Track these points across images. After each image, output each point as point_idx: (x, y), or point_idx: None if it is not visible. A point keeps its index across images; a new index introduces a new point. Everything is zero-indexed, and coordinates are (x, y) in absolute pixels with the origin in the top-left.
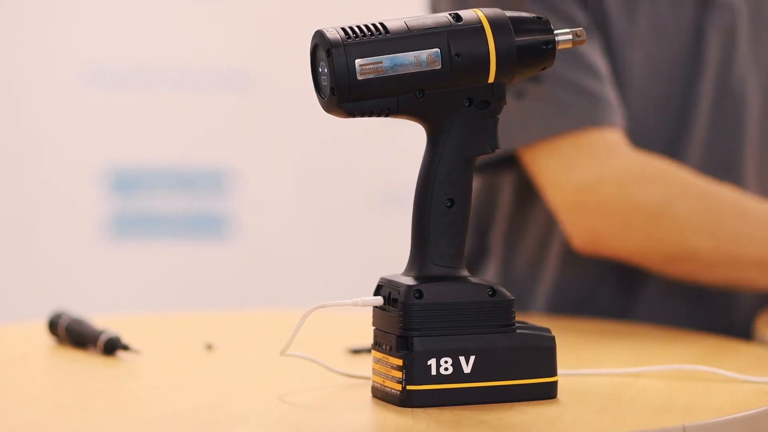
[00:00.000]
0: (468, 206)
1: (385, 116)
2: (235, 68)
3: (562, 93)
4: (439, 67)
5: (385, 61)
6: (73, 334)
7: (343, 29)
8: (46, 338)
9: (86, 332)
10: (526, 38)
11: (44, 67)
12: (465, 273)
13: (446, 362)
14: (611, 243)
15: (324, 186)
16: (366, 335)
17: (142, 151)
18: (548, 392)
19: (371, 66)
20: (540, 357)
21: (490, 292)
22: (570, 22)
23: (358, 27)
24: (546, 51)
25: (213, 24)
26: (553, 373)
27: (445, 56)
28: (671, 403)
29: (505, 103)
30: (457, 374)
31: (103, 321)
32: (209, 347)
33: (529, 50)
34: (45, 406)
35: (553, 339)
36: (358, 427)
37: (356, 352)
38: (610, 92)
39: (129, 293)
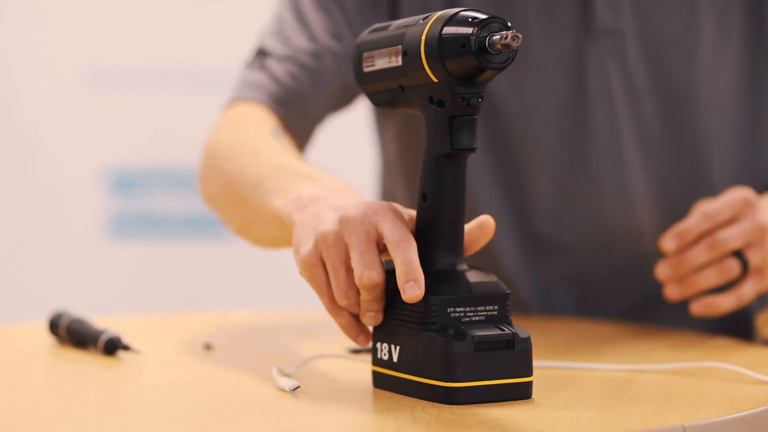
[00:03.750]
0: (440, 203)
1: (393, 108)
2: (235, 68)
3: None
4: (399, 64)
5: (375, 55)
6: (73, 334)
7: (381, 23)
8: (47, 338)
9: (87, 332)
10: (450, 32)
11: (44, 67)
12: (442, 267)
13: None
14: (200, 183)
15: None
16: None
17: (142, 151)
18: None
19: (369, 60)
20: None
21: None
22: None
23: (388, 23)
24: (468, 46)
25: (213, 24)
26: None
27: (402, 53)
28: (671, 403)
29: (470, 106)
30: None
31: (103, 321)
32: (208, 347)
33: (449, 43)
34: (45, 406)
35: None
36: (358, 427)
37: (356, 352)
38: (268, 72)
39: (129, 293)
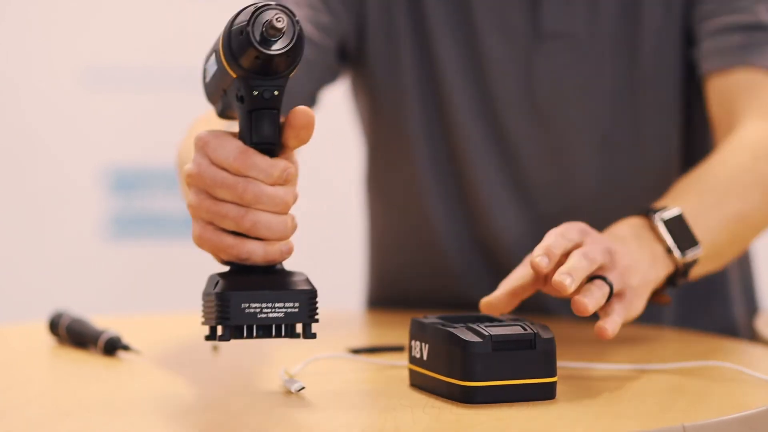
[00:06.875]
0: None
1: (230, 118)
2: None
3: None
4: (216, 67)
5: (208, 62)
6: (73, 334)
7: None
8: (47, 338)
9: (87, 332)
10: (235, 25)
11: (44, 67)
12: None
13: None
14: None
15: (323, 185)
16: (366, 335)
17: (142, 151)
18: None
19: (204, 71)
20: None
21: None
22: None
23: None
24: (246, 35)
25: (213, 24)
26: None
27: (215, 56)
28: (671, 403)
29: (264, 98)
30: None
31: (103, 321)
32: (215, 348)
33: (234, 36)
34: (45, 406)
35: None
36: (358, 427)
37: (357, 351)
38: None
39: (129, 293)
